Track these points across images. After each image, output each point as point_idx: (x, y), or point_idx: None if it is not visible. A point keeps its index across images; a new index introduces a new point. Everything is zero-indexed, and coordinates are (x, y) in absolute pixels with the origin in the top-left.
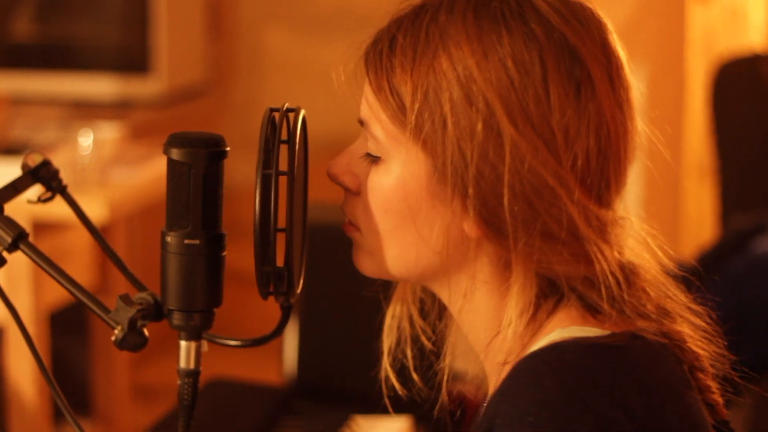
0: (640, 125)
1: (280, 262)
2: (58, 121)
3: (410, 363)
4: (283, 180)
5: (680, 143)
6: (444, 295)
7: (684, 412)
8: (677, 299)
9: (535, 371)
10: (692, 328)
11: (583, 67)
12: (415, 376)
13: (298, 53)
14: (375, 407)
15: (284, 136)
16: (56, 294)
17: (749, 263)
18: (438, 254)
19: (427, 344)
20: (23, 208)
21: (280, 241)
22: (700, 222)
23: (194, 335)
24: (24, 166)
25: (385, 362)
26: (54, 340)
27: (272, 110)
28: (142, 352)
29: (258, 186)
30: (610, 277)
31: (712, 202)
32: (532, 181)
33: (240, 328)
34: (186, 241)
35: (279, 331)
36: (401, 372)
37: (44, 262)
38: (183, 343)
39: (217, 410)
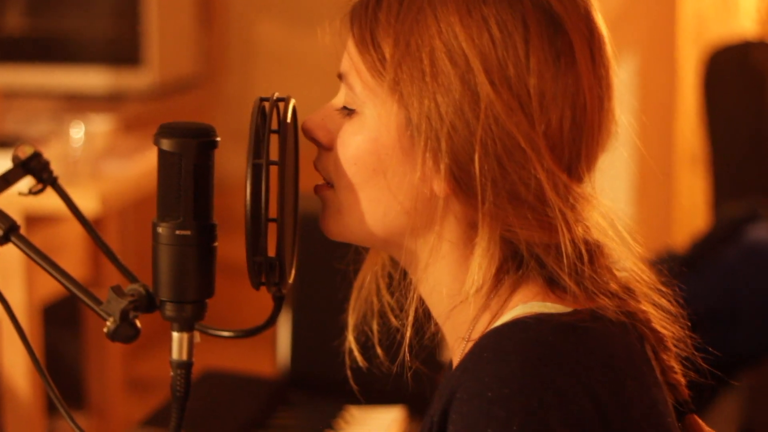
0: (619, 113)
1: (271, 252)
2: (49, 113)
3: (375, 337)
4: (273, 170)
5: (672, 132)
6: (408, 259)
7: (643, 391)
8: (642, 280)
9: (497, 347)
10: (657, 309)
11: (565, 36)
12: (379, 350)
13: (289, 45)
14: (369, 397)
15: (275, 125)
16: (49, 287)
17: (742, 251)
18: (406, 212)
19: (393, 321)
20: (15, 200)
21: (272, 231)
22: (693, 211)
23: (186, 326)
24: (15, 158)
25: (350, 336)
26: (47, 333)
27: (262, 99)
28: (135, 345)
29: (248, 176)
30: (570, 248)
31: (704, 190)
32: (504, 140)
33: (232, 320)
34: (177, 232)
35: (271, 321)
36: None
37: (36, 255)
38: (175, 335)
39: (211, 402)
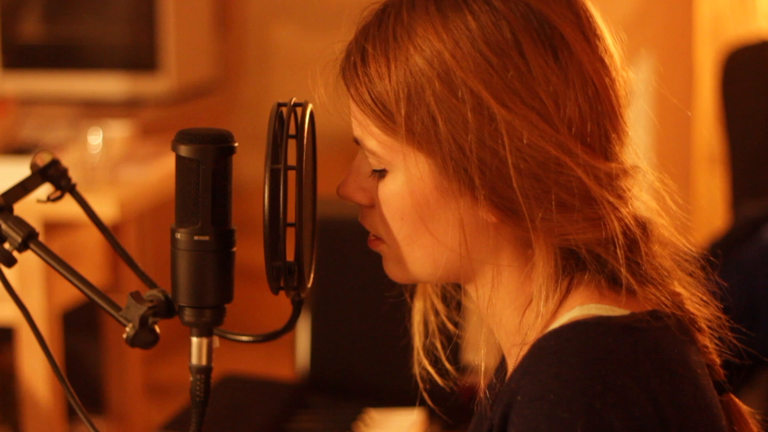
0: (625, 72)
1: (290, 256)
2: (67, 120)
3: (442, 354)
4: (292, 174)
5: (690, 132)
6: (471, 289)
7: (699, 395)
8: (679, 258)
9: (557, 349)
10: (688, 289)
11: (554, 29)
12: (448, 366)
13: (305, 50)
14: (388, 400)
15: (292, 130)
16: (68, 293)
17: (760, 250)
18: (457, 250)
19: (453, 329)
20: (33, 207)
21: (290, 235)
22: (711, 210)
23: (205, 331)
24: (33, 166)
25: (421, 357)
26: (67, 339)
27: (280, 105)
28: (154, 350)
29: (267, 181)
30: (623, 238)
31: (722, 190)
32: (535, 155)
33: (251, 325)
34: (196, 238)
35: (290, 325)
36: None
37: (54, 261)
38: (194, 340)
39: (230, 406)
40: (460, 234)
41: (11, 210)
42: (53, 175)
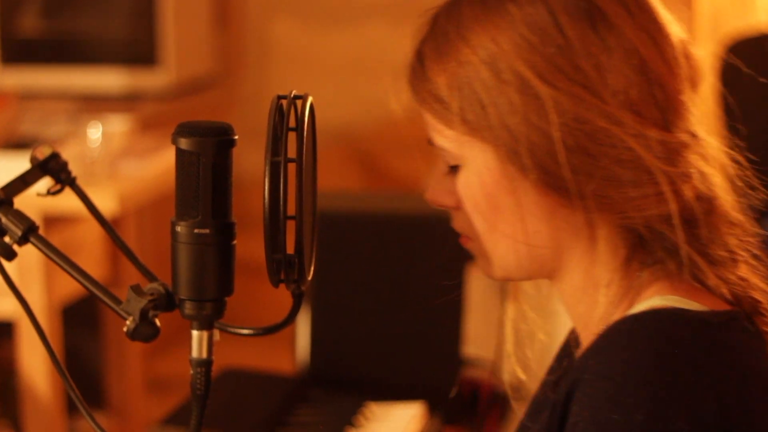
0: (683, 45)
1: (290, 249)
2: (67, 114)
3: (532, 362)
4: (292, 167)
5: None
6: (555, 281)
7: None
8: (740, 233)
9: (631, 333)
10: (750, 269)
11: (590, 3)
12: (521, 373)
13: (305, 44)
14: (388, 394)
15: (292, 123)
16: (68, 287)
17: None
18: (533, 238)
19: (545, 339)
20: (33, 201)
21: (290, 228)
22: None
23: (206, 324)
24: (33, 159)
25: (514, 365)
26: (67, 333)
27: (280, 97)
28: (155, 344)
29: (267, 173)
30: (677, 215)
31: None
32: (582, 128)
33: (252, 318)
34: (196, 231)
35: (291, 318)
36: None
37: (55, 255)
38: (195, 333)
39: (231, 400)
40: (523, 221)
41: (11, 203)
42: (53, 168)
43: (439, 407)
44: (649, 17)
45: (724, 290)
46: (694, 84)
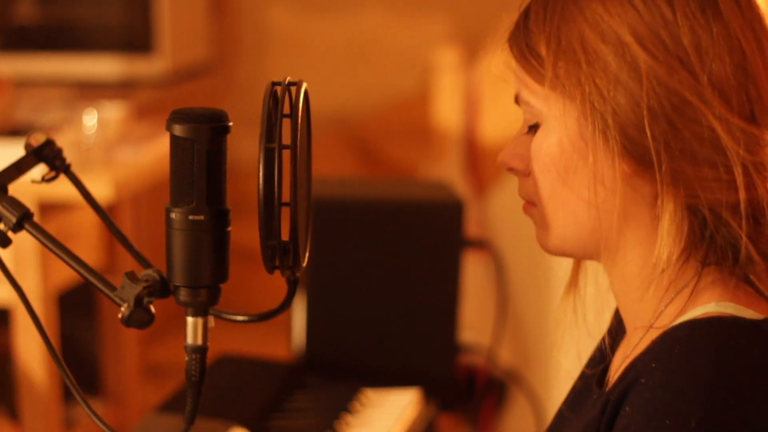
0: None
1: (285, 236)
2: (62, 101)
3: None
4: (286, 154)
5: None
6: (608, 262)
7: None
8: None
9: (690, 341)
10: None
11: None
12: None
13: (301, 30)
14: (384, 380)
15: (287, 109)
16: (64, 275)
17: None
18: (597, 207)
19: (607, 341)
20: (28, 189)
21: (285, 215)
22: None
23: (201, 311)
24: (27, 146)
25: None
26: (62, 321)
27: (274, 84)
28: (150, 331)
29: (261, 160)
30: (753, 205)
31: None
32: (671, 99)
33: (247, 306)
34: (190, 217)
35: (286, 305)
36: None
37: (49, 242)
38: (190, 319)
39: (226, 386)
40: (593, 185)
41: (6, 190)
42: (48, 155)
43: (435, 393)
44: (757, 16)
45: None
46: None
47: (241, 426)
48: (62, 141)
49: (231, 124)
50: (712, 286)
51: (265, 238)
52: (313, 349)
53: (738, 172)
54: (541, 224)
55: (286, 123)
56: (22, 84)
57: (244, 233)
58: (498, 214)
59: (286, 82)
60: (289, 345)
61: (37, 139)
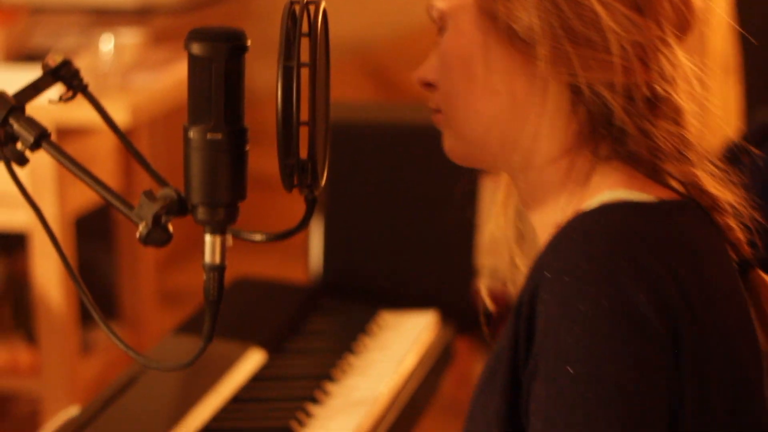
0: None
1: (303, 154)
2: (78, 27)
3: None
4: (305, 73)
5: (704, 40)
6: (516, 168)
7: (724, 277)
8: (698, 148)
9: (586, 229)
10: (709, 174)
11: None
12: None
13: None
14: (401, 302)
15: (305, 29)
16: (81, 199)
17: None
18: (500, 97)
19: (523, 269)
20: (46, 113)
21: (304, 134)
22: (726, 118)
23: (219, 229)
24: (45, 66)
25: (486, 282)
26: (79, 246)
27: (293, 2)
28: (167, 257)
29: (280, 78)
30: (630, 91)
31: (737, 100)
32: None
33: (264, 230)
34: (209, 136)
35: (304, 224)
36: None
37: (67, 161)
38: (208, 238)
39: (244, 309)
40: (489, 75)
41: (23, 110)
42: (65, 75)
43: (452, 316)
44: None
45: (674, 183)
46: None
47: (258, 347)
48: (79, 66)
49: (249, 43)
50: (607, 178)
51: (283, 157)
52: (330, 273)
53: (615, 51)
54: (447, 127)
55: (305, 42)
56: (38, 10)
57: (261, 160)
58: None
59: (305, 1)
60: (306, 268)
61: (55, 59)
